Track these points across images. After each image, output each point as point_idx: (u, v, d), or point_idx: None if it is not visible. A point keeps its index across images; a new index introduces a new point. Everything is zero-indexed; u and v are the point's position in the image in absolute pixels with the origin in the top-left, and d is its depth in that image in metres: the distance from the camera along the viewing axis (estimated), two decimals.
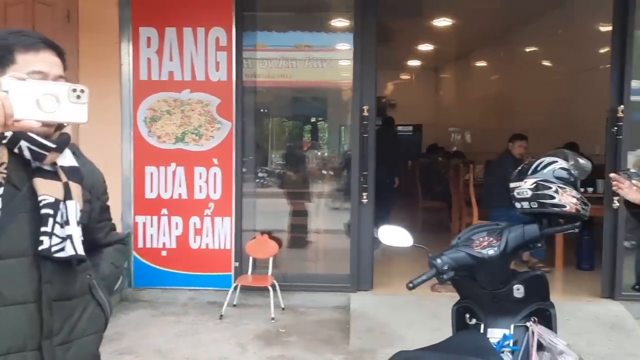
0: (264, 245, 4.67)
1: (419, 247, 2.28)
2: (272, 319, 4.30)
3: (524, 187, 2.21)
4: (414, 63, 12.46)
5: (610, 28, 6.24)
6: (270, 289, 4.40)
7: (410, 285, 2.12)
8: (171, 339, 3.98)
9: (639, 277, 2.11)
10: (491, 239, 2.27)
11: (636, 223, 4.34)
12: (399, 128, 10.53)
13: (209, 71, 4.65)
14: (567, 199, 2.15)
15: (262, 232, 4.82)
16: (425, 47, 10.37)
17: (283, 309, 4.53)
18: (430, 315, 4.05)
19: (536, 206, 2.17)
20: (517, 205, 2.26)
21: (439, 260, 2.15)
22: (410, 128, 12.83)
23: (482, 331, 2.26)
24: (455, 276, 2.16)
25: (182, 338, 3.99)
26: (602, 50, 7.33)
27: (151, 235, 4.74)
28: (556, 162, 2.22)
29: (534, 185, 2.18)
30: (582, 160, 2.29)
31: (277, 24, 5.16)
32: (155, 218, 4.72)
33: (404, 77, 13.75)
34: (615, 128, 4.20)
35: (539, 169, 2.22)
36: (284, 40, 5.16)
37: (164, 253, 4.73)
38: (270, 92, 5.35)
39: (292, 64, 5.05)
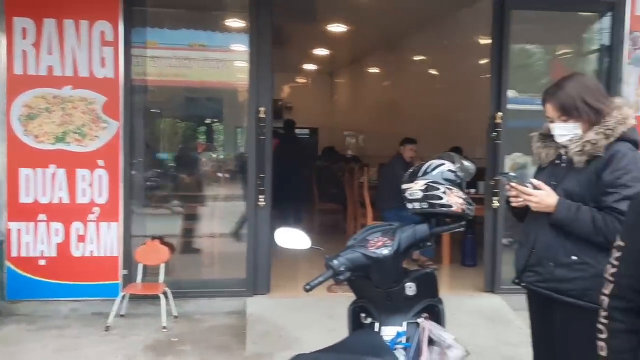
0: (154, 251, 4.46)
1: (316, 248, 2.29)
2: (164, 328, 4.12)
3: (415, 189, 2.29)
4: (309, 67, 12.62)
5: (489, 41, 6.74)
6: (162, 296, 4.20)
7: (308, 287, 2.11)
8: (49, 354, 3.66)
9: (518, 271, 2.25)
10: (385, 239, 2.32)
11: (514, 222, 4.69)
12: (296, 131, 10.59)
13: (93, 67, 4.36)
14: (454, 200, 2.25)
15: (153, 238, 4.60)
16: (321, 51, 10.54)
17: (176, 317, 4.36)
18: (327, 316, 4.09)
19: (426, 206, 2.25)
20: (409, 205, 2.33)
21: (335, 262, 2.16)
22: (307, 131, 12.98)
23: (376, 329, 2.30)
24: (352, 276, 2.18)
25: (62, 353, 3.69)
26: (482, 62, 7.91)
27: (27, 243, 4.34)
28: (444, 164, 2.32)
29: (425, 186, 2.26)
30: (466, 163, 2.42)
31: (169, 21, 4.95)
32: (31, 224, 4.33)
33: (300, 80, 13.89)
34: (495, 133, 4.50)
35: (428, 171, 2.31)
36: (177, 38, 4.96)
37: (42, 262, 4.35)
38: (162, 92, 5.12)
39: (186, 64, 4.88)
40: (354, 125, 12.54)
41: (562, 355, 2.14)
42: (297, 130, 10.33)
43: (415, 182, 2.30)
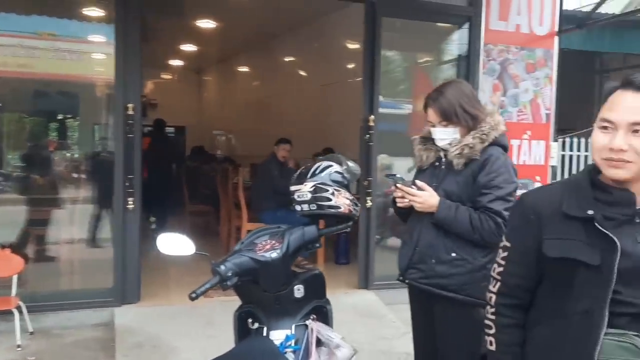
0: (5, 261, 3.97)
1: (201, 254, 2.19)
2: (18, 346, 3.68)
3: (304, 190, 2.28)
4: (176, 63, 12.16)
5: (358, 46, 7.00)
6: (15, 311, 3.75)
7: (194, 295, 2.01)
8: None
9: (402, 269, 2.34)
10: (273, 241, 2.29)
11: (384, 220, 4.89)
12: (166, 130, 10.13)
13: None
14: (342, 201, 2.28)
15: (3, 246, 4.10)
16: (189, 47, 10.20)
17: (32, 333, 3.93)
18: (205, 323, 3.95)
19: (315, 208, 2.26)
20: (297, 207, 2.32)
21: (222, 267, 2.09)
22: (173, 129, 12.47)
23: (265, 334, 2.26)
24: (239, 281, 2.12)
25: None
26: (352, 65, 8.20)
27: None
28: (332, 166, 2.34)
29: (313, 188, 2.26)
30: (352, 165, 2.47)
31: (14, 5, 4.42)
32: None
33: (166, 76, 13.33)
34: (368, 135, 4.68)
35: (317, 172, 2.32)
36: (24, 25, 4.44)
37: None
38: (5, 84, 4.57)
39: (34, 53, 4.40)
40: (224, 125, 12.32)
41: (443, 347, 2.27)
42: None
43: (304, 183, 2.30)
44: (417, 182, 2.23)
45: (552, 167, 5.10)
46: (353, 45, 7.86)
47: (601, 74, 10.67)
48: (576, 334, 1.35)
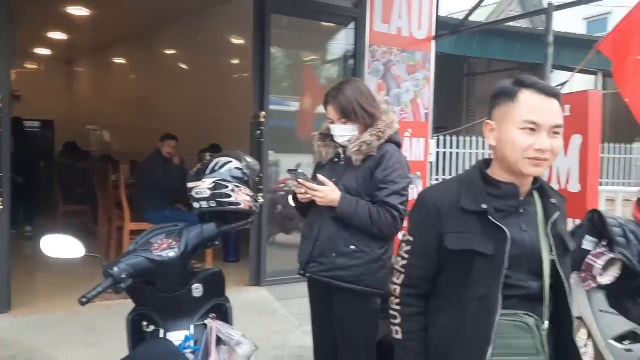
0: None
1: (92, 256, 2.07)
2: None
3: (203, 187, 2.23)
4: (42, 52, 11.20)
5: (244, 41, 6.92)
6: None
7: (84, 300, 1.91)
8: None
9: (303, 263, 2.38)
10: (170, 240, 2.22)
11: (274, 220, 4.91)
12: (26, 124, 9.25)
13: None
14: (243, 197, 2.26)
15: None
16: (57, 35, 9.42)
17: None
18: (86, 330, 3.70)
19: (215, 205, 2.22)
20: (196, 205, 2.27)
21: (115, 269, 1.99)
22: (39, 124, 11.45)
23: (162, 337, 2.19)
24: (134, 283, 2.03)
25: None
26: (236, 61, 8.12)
27: None
28: (231, 162, 2.32)
29: (213, 185, 2.22)
30: (251, 161, 2.46)
31: None
32: None
33: (31, 66, 12.23)
34: (259, 132, 4.66)
35: (216, 169, 2.28)
36: None
37: None
38: None
39: None
40: (99, 119, 11.58)
41: (342, 338, 2.33)
42: (27, 124, 9.09)
43: (203, 180, 2.25)
44: (319, 177, 2.27)
45: (430, 163, 5.45)
46: (239, 41, 7.77)
47: (469, 77, 11.62)
48: (475, 318, 1.47)
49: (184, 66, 9.05)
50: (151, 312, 2.23)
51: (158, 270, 2.13)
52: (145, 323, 2.21)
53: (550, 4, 4.48)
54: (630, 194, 5.22)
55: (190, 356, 2.17)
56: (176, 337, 2.18)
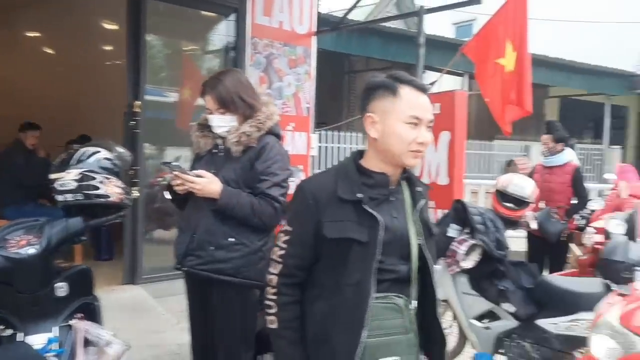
0: None
1: None
2: None
3: (68, 179, 2.09)
4: None
5: (117, 27, 6.53)
6: None
7: None
8: None
9: (179, 256, 2.29)
10: (30, 236, 2.05)
11: (149, 215, 4.71)
12: None
13: None
14: (112, 189, 2.15)
15: None
16: None
17: None
18: None
19: (82, 198, 2.09)
20: (59, 197, 2.11)
21: None
22: None
23: (20, 340, 2.02)
24: None
25: None
26: (109, 48, 7.64)
27: None
28: (100, 152, 2.19)
29: (79, 176, 2.09)
30: (122, 151, 2.33)
31: None
32: None
33: None
34: (133, 122, 4.43)
35: (82, 159, 2.14)
36: None
37: None
38: None
39: None
40: None
41: (219, 331, 2.29)
42: None
43: (67, 171, 2.11)
44: (197, 171, 2.21)
45: (312, 157, 5.54)
46: (111, 26, 7.32)
47: (349, 74, 11.98)
48: (350, 303, 1.52)
49: (50, 50, 8.35)
50: (7, 315, 2.05)
51: (15, 269, 1.98)
52: (1, 327, 2.04)
53: (421, 7, 4.74)
54: (491, 186, 5.72)
55: (54, 359, 2.03)
56: (37, 340, 2.04)
